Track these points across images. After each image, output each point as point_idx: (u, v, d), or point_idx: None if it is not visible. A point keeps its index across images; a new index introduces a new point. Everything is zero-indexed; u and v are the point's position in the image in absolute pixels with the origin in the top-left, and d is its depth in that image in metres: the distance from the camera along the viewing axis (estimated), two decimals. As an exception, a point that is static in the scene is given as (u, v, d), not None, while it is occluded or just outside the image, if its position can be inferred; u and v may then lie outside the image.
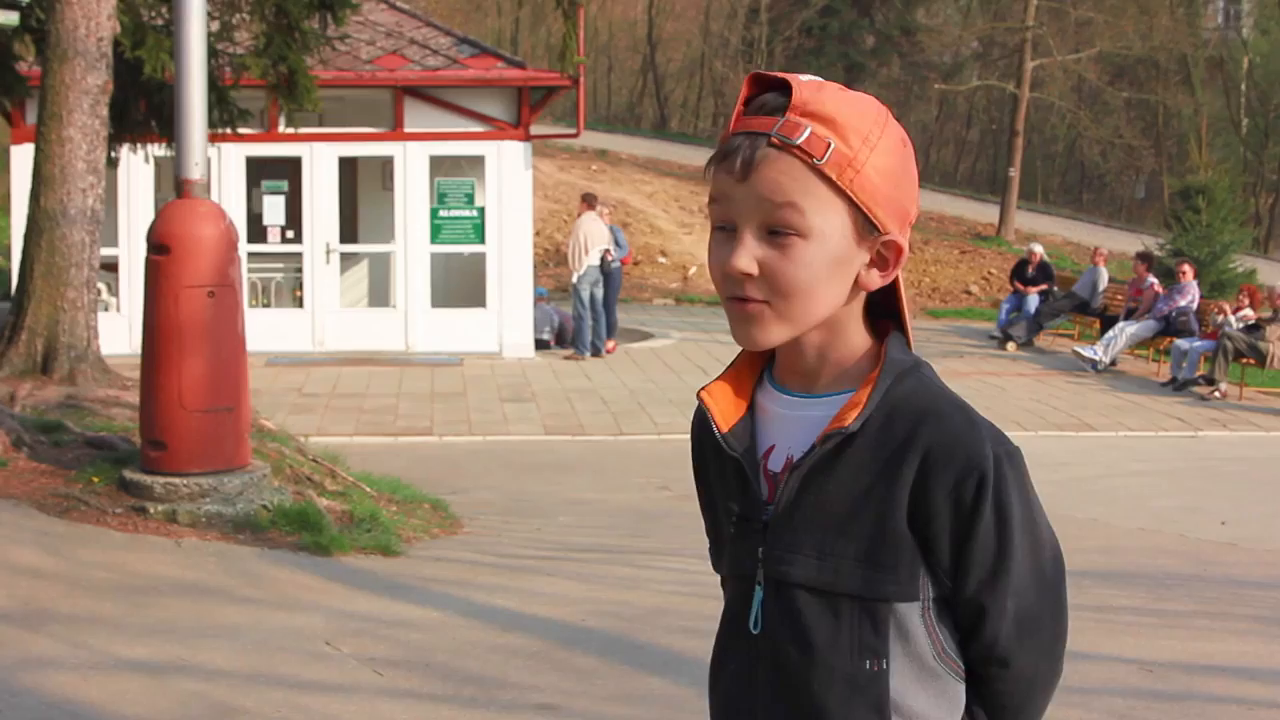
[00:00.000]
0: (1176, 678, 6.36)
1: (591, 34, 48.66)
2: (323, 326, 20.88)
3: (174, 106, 8.21)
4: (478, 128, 20.98)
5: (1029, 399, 18.45)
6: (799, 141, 1.76)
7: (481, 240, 21.03)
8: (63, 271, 10.94)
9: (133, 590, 6.93)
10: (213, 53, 13.01)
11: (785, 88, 1.81)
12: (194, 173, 8.10)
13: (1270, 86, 43.00)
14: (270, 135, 19.97)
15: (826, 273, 1.80)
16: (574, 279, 20.65)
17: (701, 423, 2.00)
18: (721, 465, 1.97)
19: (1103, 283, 23.08)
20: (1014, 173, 34.45)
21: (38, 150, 10.97)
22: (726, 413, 1.94)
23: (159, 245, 7.92)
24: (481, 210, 21.01)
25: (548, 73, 21.60)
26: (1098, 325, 22.48)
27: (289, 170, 21.03)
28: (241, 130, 13.90)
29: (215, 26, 13.16)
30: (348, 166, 21.66)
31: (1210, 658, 6.85)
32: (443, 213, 21.03)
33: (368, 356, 20.27)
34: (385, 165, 21.88)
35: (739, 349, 1.93)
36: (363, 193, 22.71)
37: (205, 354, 7.96)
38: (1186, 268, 21.15)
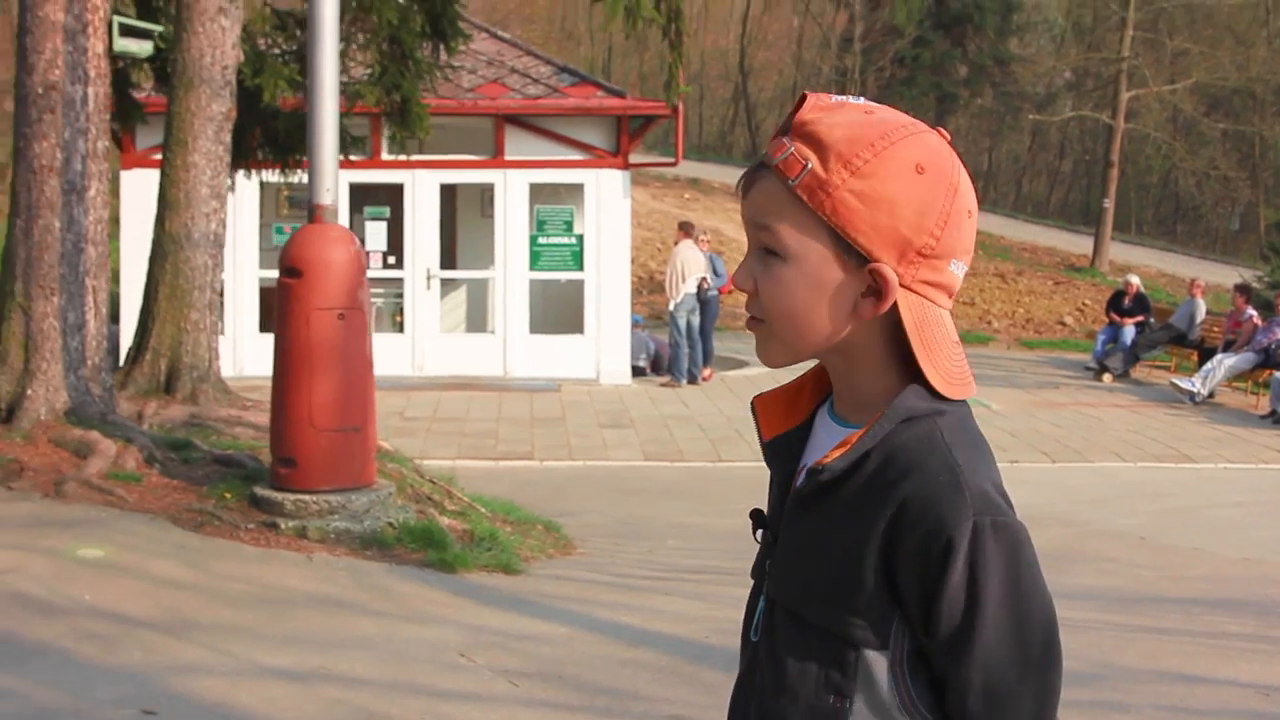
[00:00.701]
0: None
1: (684, 63, 49.06)
2: (422, 351, 21.16)
3: (307, 134, 8.44)
4: (577, 155, 21.23)
5: (1125, 430, 18.38)
6: (777, 162, 1.75)
7: (580, 267, 21.24)
8: (186, 294, 11.25)
9: (269, 602, 7.15)
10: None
11: None
12: (325, 198, 8.34)
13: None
14: (374, 162, 20.28)
15: (806, 296, 1.77)
16: (671, 306, 20.79)
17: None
18: (769, 471, 1.99)
19: (1200, 314, 22.98)
20: (1109, 204, 34.32)
21: (163, 175, 11.30)
22: (773, 422, 1.95)
23: (292, 269, 8.17)
24: (580, 237, 21.24)
25: (647, 101, 21.86)
26: (1195, 357, 22.37)
27: (391, 197, 21.36)
28: (352, 157, 14.19)
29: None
30: (448, 193, 21.97)
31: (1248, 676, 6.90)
32: (541, 240, 21.27)
33: (466, 382, 20.52)
34: (485, 192, 22.16)
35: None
36: (462, 219, 23.03)
37: (335, 375, 8.19)
38: (1283, 299, 21.03)
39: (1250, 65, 36.76)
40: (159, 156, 19.97)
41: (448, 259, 22.08)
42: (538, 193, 21.48)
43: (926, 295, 1.76)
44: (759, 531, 1.97)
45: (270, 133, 13.77)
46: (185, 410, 10.66)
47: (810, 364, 1.93)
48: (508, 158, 21.15)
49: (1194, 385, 20.71)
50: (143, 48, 10.33)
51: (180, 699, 5.71)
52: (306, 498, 8.16)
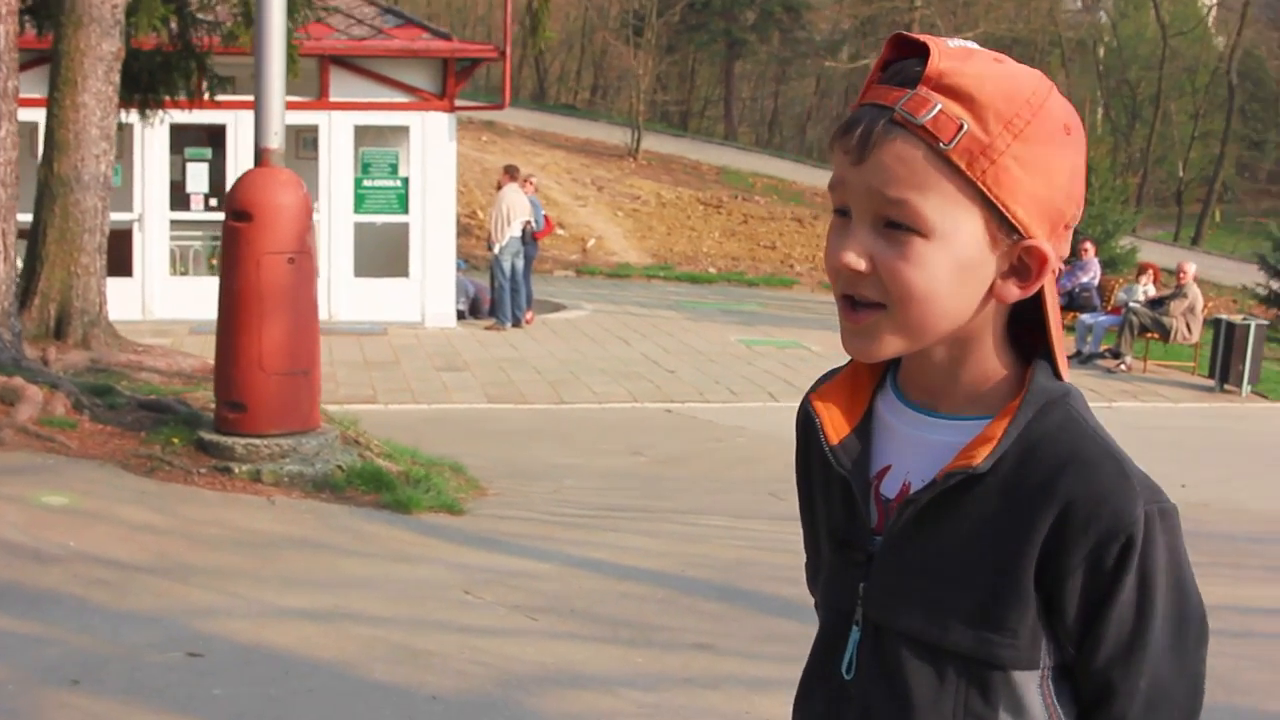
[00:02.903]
0: (1231, 618, 6.96)
1: (470, 3, 48.79)
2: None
3: (255, 80, 8.44)
4: (402, 98, 21.14)
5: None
6: (923, 121, 1.50)
7: (405, 210, 21.19)
8: (76, 237, 11.08)
9: (249, 545, 7.22)
10: (196, 22, 13.17)
11: (926, 53, 1.54)
12: (273, 141, 8.36)
13: (1133, 69, 44.43)
14: (197, 103, 19.92)
15: (950, 279, 1.54)
16: (495, 250, 20.91)
17: (807, 422, 1.75)
18: (828, 478, 1.72)
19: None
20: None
21: (50, 116, 11.09)
22: (838, 422, 1.69)
23: (241, 212, 8.17)
24: (405, 180, 21.19)
25: (474, 44, 21.91)
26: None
27: (213, 138, 21.02)
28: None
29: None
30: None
31: (1244, 601, 7.46)
32: (366, 182, 21.17)
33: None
34: (300, 133, 21.91)
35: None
36: (294, 161, 22.72)
37: (285, 319, 8.23)
38: (1088, 245, 21.96)
39: (1032, 17, 38.04)
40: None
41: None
42: (362, 135, 21.35)
43: (1056, 271, 1.59)
44: (836, 551, 1.72)
45: (130, 73, 13.52)
46: (85, 356, 10.53)
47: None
48: (332, 99, 20.97)
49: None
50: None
51: (216, 640, 5.79)
52: (257, 441, 8.20)
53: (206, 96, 13.73)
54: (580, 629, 6.21)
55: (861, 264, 1.54)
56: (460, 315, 21.97)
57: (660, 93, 41.90)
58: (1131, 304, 19.85)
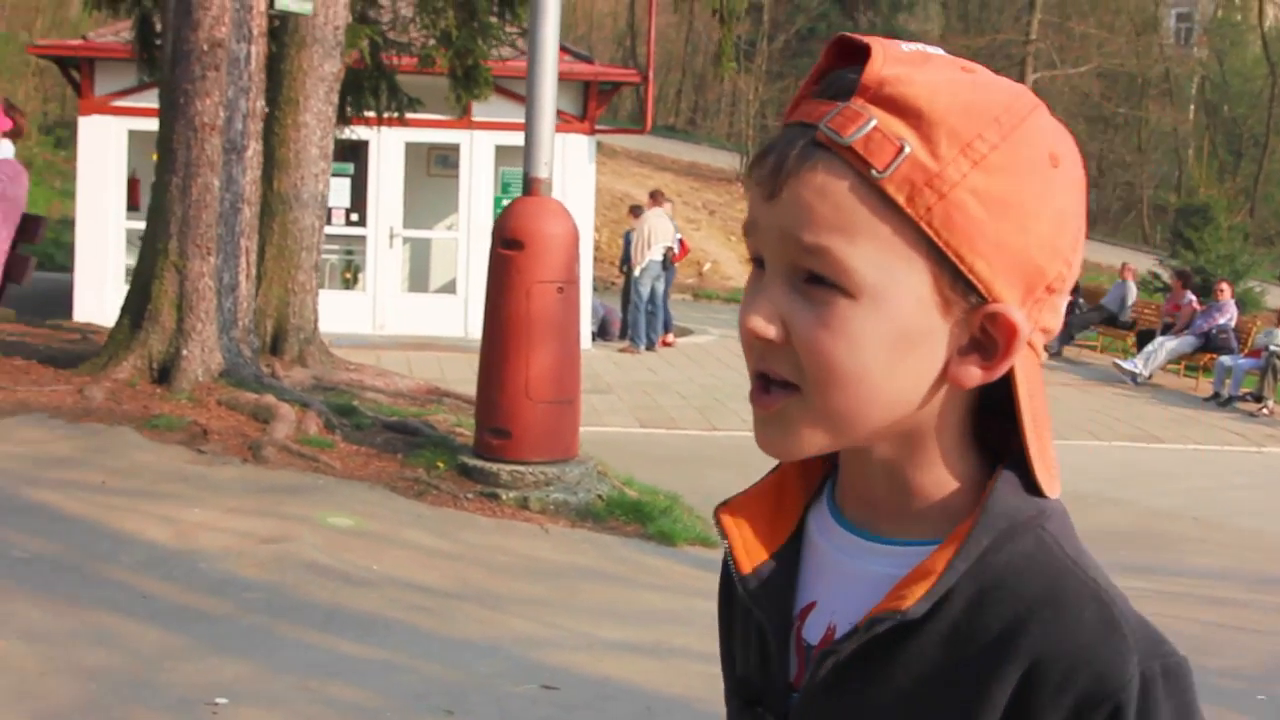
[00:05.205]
0: None
1: (570, 25, 48.92)
2: (384, 310, 21.05)
3: (526, 107, 8.51)
4: (544, 120, 21.17)
5: (1084, 408, 18.98)
6: (850, 141, 1.10)
7: (545, 231, 21.23)
8: (294, 255, 11.19)
9: (544, 574, 7.25)
10: (388, 43, 13.28)
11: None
12: (543, 171, 8.42)
13: (1241, 105, 44.20)
14: (386, 121, 20.15)
15: (886, 354, 1.14)
16: (636, 272, 20.95)
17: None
18: (746, 616, 1.33)
19: (1131, 297, 23.80)
20: (1010, 182, 35.13)
21: (271, 134, 11.17)
22: (751, 545, 1.29)
23: (512, 240, 8.22)
24: (545, 201, 21.23)
25: (617, 68, 21.96)
26: (1131, 339, 23.15)
27: (354, 154, 21.17)
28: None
29: (388, 16, 13.42)
30: (412, 153, 21.84)
31: None
32: (506, 202, 21.20)
33: (427, 342, 20.44)
34: (432, 150, 22.05)
35: None
36: (425, 179, 22.89)
37: (553, 348, 8.27)
38: (1224, 286, 21.86)
39: (1146, 52, 37.94)
40: (119, 104, 19.76)
41: (409, 218, 22.00)
42: (502, 155, 21.44)
43: (1037, 348, 1.20)
44: (742, 708, 1.33)
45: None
46: (306, 373, 10.62)
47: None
48: (475, 119, 21.07)
49: (1136, 366, 21.43)
50: (302, 7, 10.21)
51: (562, 673, 5.81)
52: (522, 468, 8.24)
53: (394, 115, 13.77)
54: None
55: (770, 330, 1.14)
56: (591, 337, 22.03)
57: (766, 118, 41.81)
58: (1272, 347, 19.72)
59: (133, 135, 19.91)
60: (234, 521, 7.40)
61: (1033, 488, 1.18)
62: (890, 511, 1.22)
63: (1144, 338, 22.34)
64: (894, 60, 1.11)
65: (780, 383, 1.16)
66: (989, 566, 1.15)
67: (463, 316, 21.04)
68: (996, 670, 1.13)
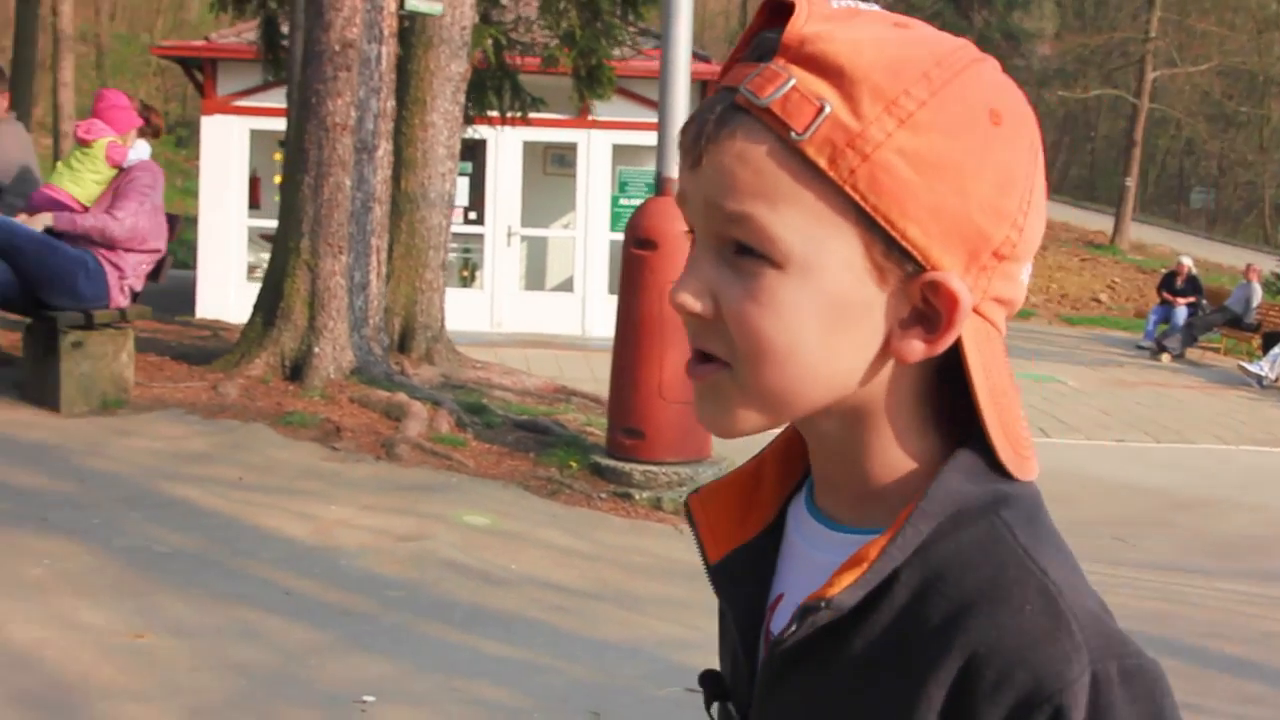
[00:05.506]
0: None
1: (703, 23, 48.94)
2: (501, 308, 21.13)
3: (660, 108, 8.47)
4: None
5: (1210, 411, 18.67)
6: (767, 102, 1.04)
7: (660, 229, 21.20)
8: (421, 253, 11.24)
9: (680, 575, 7.20)
10: (511, 43, 13.31)
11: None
12: (674, 170, 8.36)
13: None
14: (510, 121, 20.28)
15: (817, 327, 1.07)
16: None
17: None
18: (724, 608, 1.28)
19: (1256, 298, 23.40)
20: (1130, 183, 34.80)
21: (398, 134, 11.22)
22: (720, 533, 1.25)
23: (645, 241, 8.19)
24: (662, 200, 21.20)
25: (735, 67, 21.78)
26: (1256, 341, 22.76)
27: (473, 152, 21.26)
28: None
29: (511, 17, 13.45)
30: (529, 151, 21.93)
31: None
32: (623, 201, 21.26)
33: (545, 340, 20.49)
34: (548, 150, 22.11)
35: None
36: (542, 177, 22.97)
37: (686, 348, 8.19)
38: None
39: (1269, 49, 37.33)
40: (240, 103, 20.00)
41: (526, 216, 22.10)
42: (620, 154, 21.46)
43: (993, 319, 1.11)
44: (715, 706, 1.28)
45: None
46: (435, 371, 10.66)
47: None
48: (592, 117, 21.09)
49: (1262, 369, 21.05)
50: (432, 7, 10.26)
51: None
52: (655, 469, 8.21)
53: (517, 115, 13.82)
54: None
55: (698, 305, 1.09)
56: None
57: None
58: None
59: (254, 134, 20.17)
60: (371, 519, 7.43)
61: (998, 467, 1.10)
62: (849, 497, 1.16)
63: (1270, 340, 21.95)
64: (818, 18, 1.05)
65: (712, 359, 1.11)
66: (934, 555, 1.07)
67: (580, 315, 21.09)
68: (935, 665, 1.05)
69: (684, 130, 1.10)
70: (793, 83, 1.03)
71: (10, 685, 5.05)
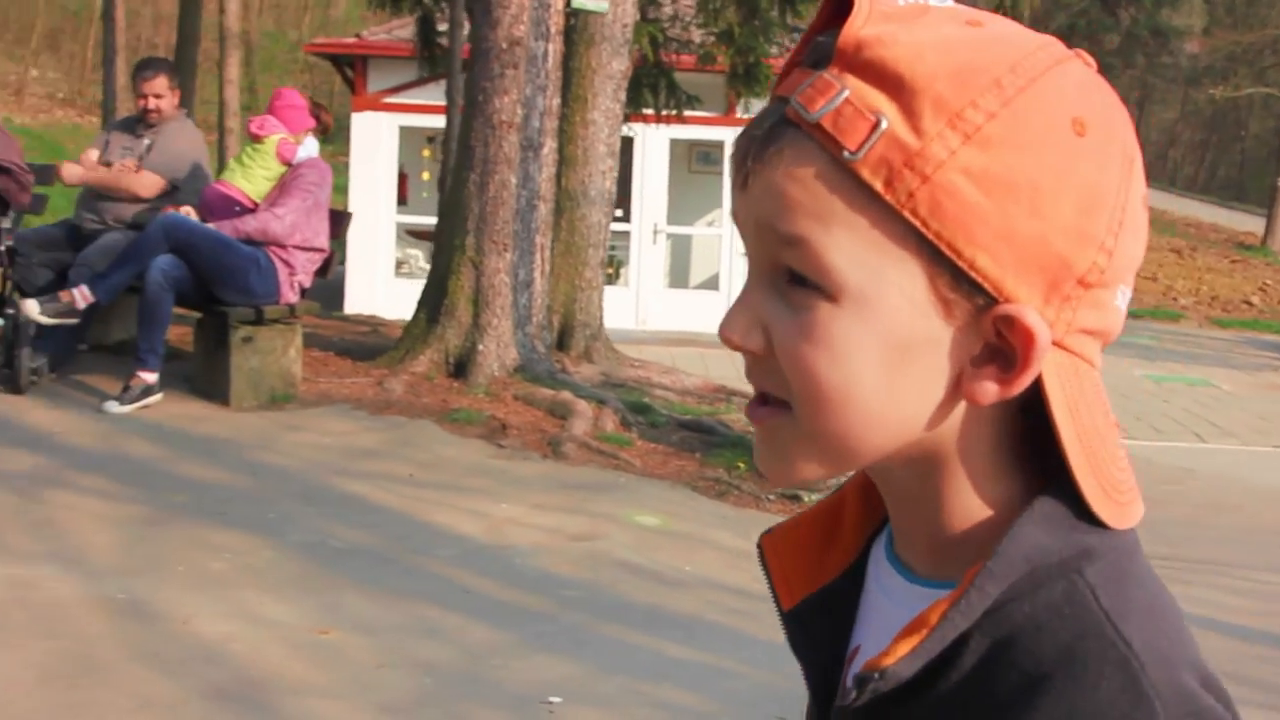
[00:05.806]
0: None
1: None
2: (646, 305, 21.14)
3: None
4: (810, 116, 21.06)
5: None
6: (816, 117, 0.92)
7: (806, 228, 21.11)
8: (581, 251, 11.25)
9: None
10: (668, 40, 13.28)
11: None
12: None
13: None
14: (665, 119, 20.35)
15: (878, 368, 0.95)
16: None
17: None
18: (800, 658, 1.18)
19: None
20: (1285, 182, 34.10)
21: (560, 131, 11.24)
22: (796, 575, 1.15)
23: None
24: (808, 199, 21.12)
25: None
26: None
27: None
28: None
29: (668, 13, 13.44)
30: (675, 149, 21.92)
31: None
32: (769, 200, 21.17)
33: (689, 337, 20.46)
34: (693, 147, 22.08)
35: None
36: (688, 175, 22.97)
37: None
38: None
39: None
40: (390, 100, 20.16)
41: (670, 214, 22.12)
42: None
43: (1081, 353, 0.98)
44: None
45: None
46: (595, 370, 10.66)
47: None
48: (740, 115, 21.03)
49: None
50: (599, 5, 10.26)
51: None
52: (822, 471, 8.13)
53: (673, 113, 13.80)
54: (1243, 694, 5.94)
55: (749, 342, 0.98)
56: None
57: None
58: None
59: (403, 131, 20.34)
60: (542, 518, 7.43)
61: (1087, 516, 0.95)
62: (925, 548, 1.04)
63: None
64: (878, 18, 0.93)
65: (774, 401, 0.99)
66: (1006, 618, 0.95)
67: (724, 313, 20.98)
68: None
69: (735, 145, 0.99)
70: (846, 94, 0.92)
71: (202, 679, 5.10)
